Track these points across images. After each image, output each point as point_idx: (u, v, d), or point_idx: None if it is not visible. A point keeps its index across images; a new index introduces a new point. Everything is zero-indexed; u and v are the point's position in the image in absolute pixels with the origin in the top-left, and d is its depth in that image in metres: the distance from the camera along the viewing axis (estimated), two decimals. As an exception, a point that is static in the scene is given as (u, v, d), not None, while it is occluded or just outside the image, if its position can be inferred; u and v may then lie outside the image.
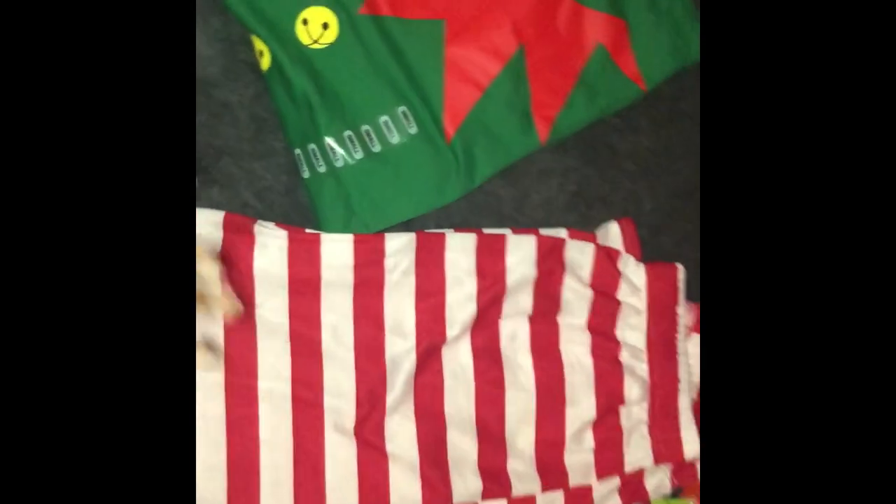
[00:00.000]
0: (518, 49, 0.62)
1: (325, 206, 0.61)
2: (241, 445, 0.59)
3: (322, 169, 0.61)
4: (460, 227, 0.65)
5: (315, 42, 0.60)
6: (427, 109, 0.61)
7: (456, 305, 0.62)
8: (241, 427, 0.59)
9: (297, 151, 0.61)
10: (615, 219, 0.65)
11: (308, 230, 0.61)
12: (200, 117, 0.61)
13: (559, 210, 0.66)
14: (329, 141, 0.60)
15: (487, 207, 0.65)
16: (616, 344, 0.65)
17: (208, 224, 0.59)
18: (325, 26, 0.60)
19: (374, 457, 0.61)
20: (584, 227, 0.66)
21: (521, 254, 0.62)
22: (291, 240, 0.60)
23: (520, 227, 0.65)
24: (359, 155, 0.61)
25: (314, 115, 0.60)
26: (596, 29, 0.64)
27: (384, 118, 0.61)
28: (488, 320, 0.63)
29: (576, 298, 0.64)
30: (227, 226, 0.60)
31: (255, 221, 0.60)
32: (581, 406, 0.63)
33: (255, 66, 0.61)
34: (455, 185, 0.62)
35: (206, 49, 0.60)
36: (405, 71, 0.61)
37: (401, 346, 0.61)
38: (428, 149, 0.61)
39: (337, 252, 0.60)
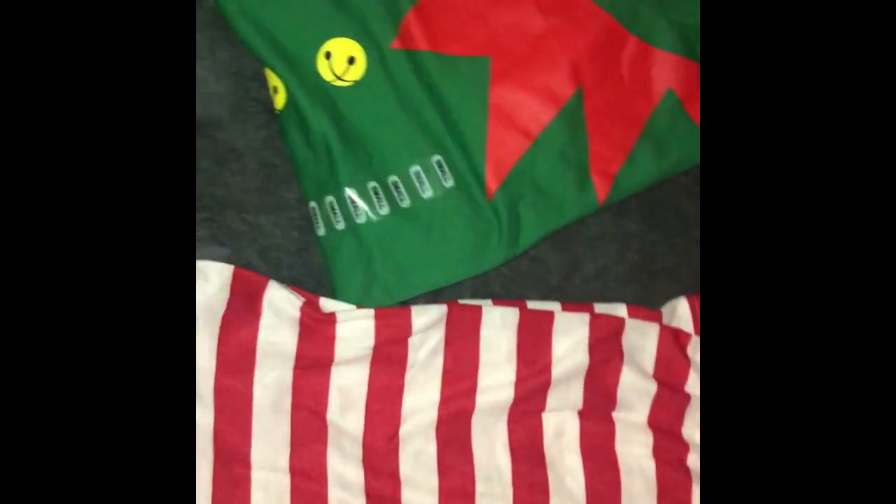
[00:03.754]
0: (576, 93, 0.53)
1: (343, 268, 0.52)
2: None
3: (340, 226, 0.52)
4: (500, 297, 0.55)
5: (339, 79, 0.51)
6: (466, 159, 0.52)
7: (489, 389, 0.53)
8: None
9: (313, 204, 0.52)
10: (684, 294, 0.56)
11: (322, 298, 0.52)
12: (202, 163, 0.53)
13: (617, 282, 0.57)
14: (350, 193, 0.51)
15: (532, 276, 0.56)
16: (683, 445, 0.55)
17: (213, 285, 0.50)
18: (352, 61, 0.51)
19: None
20: (648, 304, 0.56)
21: (572, 339, 0.53)
22: (304, 314, 0.51)
23: (570, 301, 0.55)
24: (384, 211, 0.52)
25: (334, 164, 0.51)
26: (666, 72, 0.55)
27: (415, 168, 0.52)
28: (529, 410, 0.54)
29: (635, 391, 0.55)
30: (236, 285, 0.51)
31: (266, 283, 0.51)
32: (640, 519, 0.54)
33: (268, 104, 0.53)
34: (496, 250, 0.53)
35: (212, 85, 0.53)
36: (442, 114, 0.52)
37: (420, 441, 0.51)
38: (466, 206, 0.52)
39: (356, 330, 0.51)
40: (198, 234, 0.52)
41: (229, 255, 0.53)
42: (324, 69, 0.51)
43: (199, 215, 0.52)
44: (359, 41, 0.52)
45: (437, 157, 0.52)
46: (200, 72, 0.52)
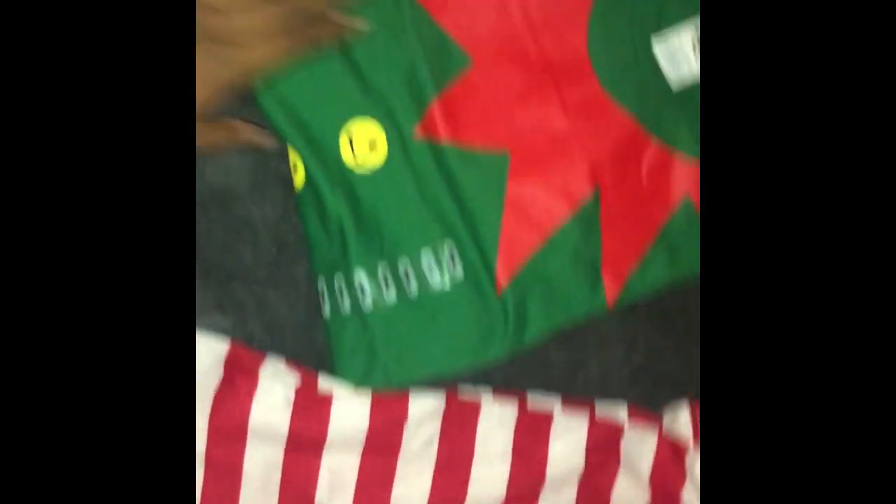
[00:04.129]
0: (593, 193, 0.53)
1: (345, 351, 0.52)
2: None
3: (346, 308, 0.52)
4: (500, 388, 0.55)
5: (359, 165, 0.51)
6: (477, 250, 0.52)
7: (480, 483, 0.52)
8: None
9: (321, 284, 0.52)
10: (688, 401, 0.56)
11: (322, 376, 0.52)
12: (216, 233, 0.52)
13: (620, 384, 0.56)
14: (359, 278, 0.51)
15: (534, 370, 0.56)
16: (674, 556, 0.53)
17: (208, 358, 0.50)
18: (373, 146, 0.52)
19: None
20: (650, 408, 0.56)
21: (569, 442, 0.52)
22: (300, 394, 0.50)
23: (571, 398, 0.54)
24: (391, 298, 0.51)
25: (346, 247, 0.51)
26: (684, 178, 0.55)
27: (426, 256, 0.52)
28: (521, 507, 0.52)
29: (629, 498, 0.53)
30: (230, 361, 0.51)
31: (262, 359, 0.51)
32: None
33: (287, 179, 0.54)
34: (500, 343, 0.53)
35: (234, 157, 0.53)
36: (458, 205, 0.52)
37: None
38: (473, 298, 0.52)
39: (350, 412, 0.51)
40: (203, 302, 0.52)
41: (233, 326, 0.53)
42: (345, 152, 0.52)
43: (207, 284, 0.52)
44: (382, 125, 0.52)
45: (448, 247, 0.52)
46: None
